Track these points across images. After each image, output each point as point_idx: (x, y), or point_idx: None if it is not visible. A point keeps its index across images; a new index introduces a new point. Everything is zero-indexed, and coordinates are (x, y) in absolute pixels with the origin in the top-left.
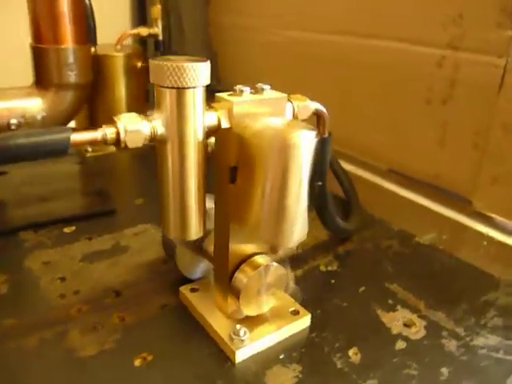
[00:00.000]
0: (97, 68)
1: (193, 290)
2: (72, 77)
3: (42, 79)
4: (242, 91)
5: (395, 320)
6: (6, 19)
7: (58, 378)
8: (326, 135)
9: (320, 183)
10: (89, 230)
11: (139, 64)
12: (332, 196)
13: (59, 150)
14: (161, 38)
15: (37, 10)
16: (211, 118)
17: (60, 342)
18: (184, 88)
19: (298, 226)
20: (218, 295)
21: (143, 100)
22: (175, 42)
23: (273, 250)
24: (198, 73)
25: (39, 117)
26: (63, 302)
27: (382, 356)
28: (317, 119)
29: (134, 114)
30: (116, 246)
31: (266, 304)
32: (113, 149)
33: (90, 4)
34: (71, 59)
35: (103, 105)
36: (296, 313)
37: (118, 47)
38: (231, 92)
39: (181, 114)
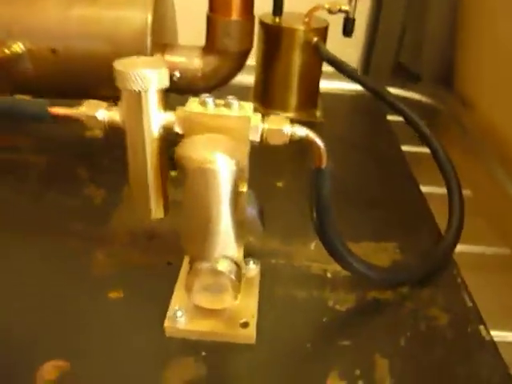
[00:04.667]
0: (277, 38)
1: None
2: (230, 45)
3: (207, 43)
4: (204, 102)
5: None
6: None
7: None
8: (323, 167)
9: (316, 220)
10: None
11: (314, 39)
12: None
13: (39, 116)
14: (351, 16)
15: None
16: (168, 121)
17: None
18: (131, 90)
19: (214, 244)
20: None
21: (317, 75)
22: (405, 54)
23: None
24: (144, 79)
25: (199, 74)
26: (118, 224)
27: None
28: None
29: (99, 103)
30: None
31: (213, 302)
32: None
33: None
34: (233, 30)
35: (276, 75)
36: (245, 325)
37: (306, 19)
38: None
39: (132, 112)
